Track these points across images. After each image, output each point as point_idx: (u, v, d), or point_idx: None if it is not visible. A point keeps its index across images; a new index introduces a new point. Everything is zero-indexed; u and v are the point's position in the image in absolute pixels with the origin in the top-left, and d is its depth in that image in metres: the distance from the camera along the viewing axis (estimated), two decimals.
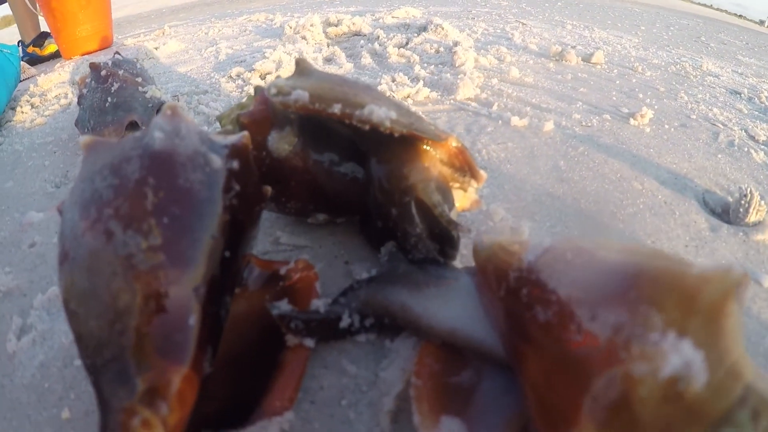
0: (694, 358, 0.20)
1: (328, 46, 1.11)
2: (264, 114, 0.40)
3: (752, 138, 0.75)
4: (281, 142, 0.40)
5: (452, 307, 0.35)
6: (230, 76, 0.88)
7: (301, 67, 0.40)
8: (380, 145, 0.39)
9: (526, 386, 0.27)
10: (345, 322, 0.35)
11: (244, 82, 0.86)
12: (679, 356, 0.20)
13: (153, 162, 0.28)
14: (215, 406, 0.30)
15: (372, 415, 0.33)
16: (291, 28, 1.17)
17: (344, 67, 0.94)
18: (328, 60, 1.00)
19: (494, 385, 0.33)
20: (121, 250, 0.26)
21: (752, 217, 0.54)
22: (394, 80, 0.85)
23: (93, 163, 0.29)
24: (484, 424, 0.31)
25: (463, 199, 0.45)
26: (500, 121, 0.73)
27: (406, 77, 0.87)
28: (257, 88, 0.43)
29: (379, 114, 0.34)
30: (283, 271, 0.37)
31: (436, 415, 0.31)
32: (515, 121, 0.71)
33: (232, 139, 0.34)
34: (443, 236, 0.39)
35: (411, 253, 0.39)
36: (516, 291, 0.29)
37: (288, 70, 0.88)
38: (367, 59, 0.99)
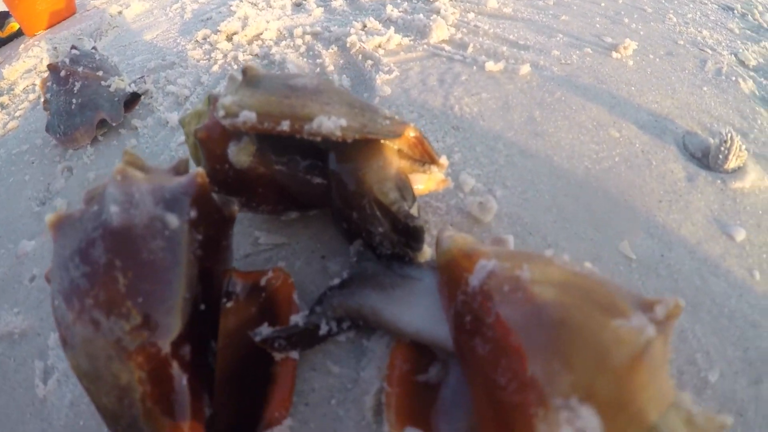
0: (590, 423, 0.21)
1: None
2: (219, 127, 0.39)
3: (742, 63, 0.71)
4: (241, 154, 0.39)
5: (416, 309, 0.36)
6: (197, 41, 0.83)
7: (249, 76, 0.38)
8: (337, 145, 0.38)
9: (472, 401, 0.28)
10: (324, 330, 0.37)
11: (212, 46, 0.82)
12: (575, 423, 0.21)
13: (114, 241, 0.30)
14: (222, 426, 0.33)
15: (357, 410, 0.36)
16: None
17: (314, 14, 0.89)
18: (298, 5, 0.94)
19: (459, 378, 0.35)
20: (110, 336, 0.29)
21: (732, 163, 0.53)
22: (364, 27, 0.80)
23: (63, 247, 0.31)
24: (448, 418, 0.33)
25: (428, 181, 0.43)
26: (475, 67, 0.69)
27: (378, 21, 0.81)
28: (210, 97, 0.41)
29: (328, 125, 0.34)
30: (263, 282, 0.38)
31: (401, 424, 0.32)
32: (490, 66, 0.68)
33: (185, 183, 0.34)
34: (406, 231, 0.39)
35: (378, 249, 0.39)
36: (461, 315, 0.29)
37: (253, 28, 0.83)
38: (338, 1, 0.93)
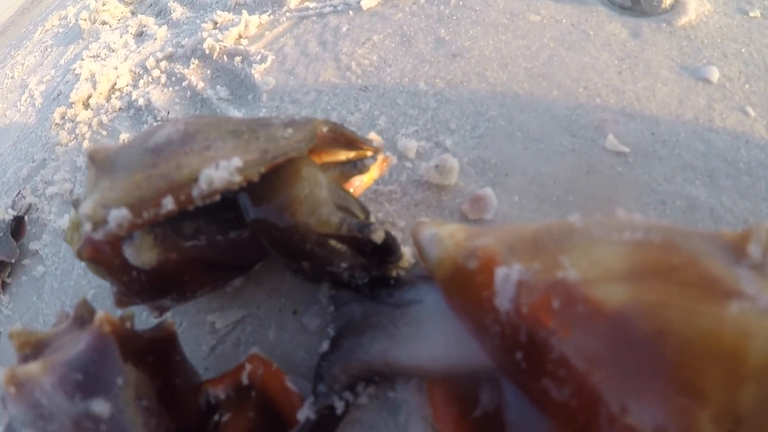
0: None
1: (134, 15, 0.87)
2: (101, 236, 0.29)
3: None
4: (141, 253, 0.30)
5: (435, 340, 0.29)
6: (56, 124, 0.69)
7: (98, 161, 0.28)
8: (245, 188, 0.28)
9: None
10: (340, 408, 0.29)
11: (73, 122, 0.68)
12: None
13: None
14: None
15: None
16: (86, 20, 0.91)
17: (158, 36, 0.74)
18: (140, 36, 0.79)
19: (519, 393, 0.28)
20: None
21: (667, 0, 0.46)
22: (216, 24, 0.67)
23: None
24: None
25: (368, 172, 0.35)
26: (351, 12, 0.58)
27: (227, 12, 0.68)
28: (74, 202, 0.31)
29: (220, 177, 0.25)
30: (245, 379, 0.31)
31: None
32: (367, 2, 0.57)
33: (92, 345, 0.25)
34: (372, 245, 0.30)
35: (353, 284, 0.31)
36: (507, 352, 0.21)
37: (105, 83, 0.68)
38: (177, 10, 0.78)
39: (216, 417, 0.29)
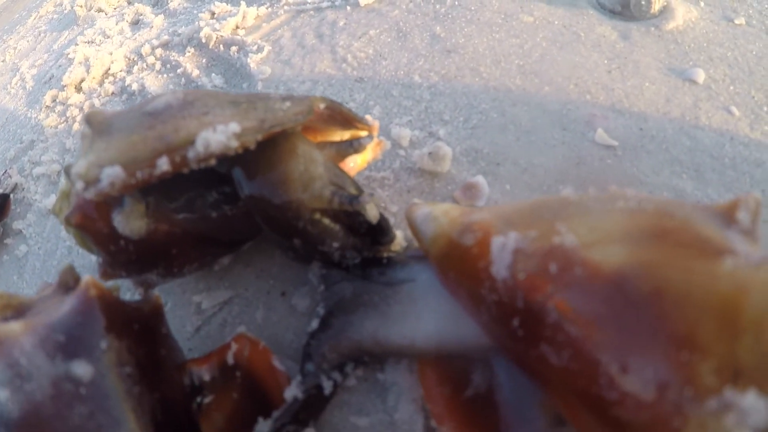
0: (760, 412, 0.14)
1: (130, 4, 0.87)
2: (91, 202, 0.30)
3: None
4: (131, 221, 0.30)
5: (427, 318, 0.28)
6: (47, 106, 0.68)
7: (96, 124, 0.28)
8: (240, 160, 0.28)
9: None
10: (328, 388, 0.29)
11: (64, 106, 0.67)
12: (745, 417, 0.15)
13: None
14: None
15: None
16: (81, 6, 0.90)
17: (155, 24, 0.74)
18: (136, 24, 0.79)
19: (511, 370, 0.28)
20: None
21: (656, 5, 0.48)
22: (213, 15, 0.67)
23: None
24: (522, 422, 0.26)
25: (363, 153, 0.35)
26: (348, 7, 0.59)
27: (224, 2, 0.69)
28: (66, 168, 0.30)
29: (217, 140, 0.25)
30: (230, 359, 0.30)
31: None
32: None
33: (76, 307, 0.25)
34: (366, 226, 0.30)
35: (344, 263, 0.31)
36: (503, 321, 0.21)
37: (98, 67, 0.68)
38: (175, 0, 0.78)
39: (199, 399, 0.29)
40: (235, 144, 0.25)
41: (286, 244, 0.30)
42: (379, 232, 0.31)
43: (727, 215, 0.19)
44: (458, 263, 0.24)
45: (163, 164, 0.24)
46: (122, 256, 0.31)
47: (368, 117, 0.35)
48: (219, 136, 0.24)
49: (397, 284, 0.30)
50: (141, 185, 0.25)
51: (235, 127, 0.25)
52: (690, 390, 0.15)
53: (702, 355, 0.15)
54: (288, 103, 0.29)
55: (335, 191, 0.29)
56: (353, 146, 0.33)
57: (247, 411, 0.29)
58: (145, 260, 0.31)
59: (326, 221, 0.29)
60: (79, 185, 0.25)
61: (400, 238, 0.34)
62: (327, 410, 0.30)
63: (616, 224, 0.20)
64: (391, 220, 0.38)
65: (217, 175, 0.31)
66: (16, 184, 0.59)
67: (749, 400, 0.15)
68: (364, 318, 0.29)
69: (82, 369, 0.23)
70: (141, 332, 0.27)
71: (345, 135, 0.35)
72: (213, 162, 0.25)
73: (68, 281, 0.30)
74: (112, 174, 0.24)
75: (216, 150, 0.24)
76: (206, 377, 0.30)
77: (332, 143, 0.33)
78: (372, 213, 0.30)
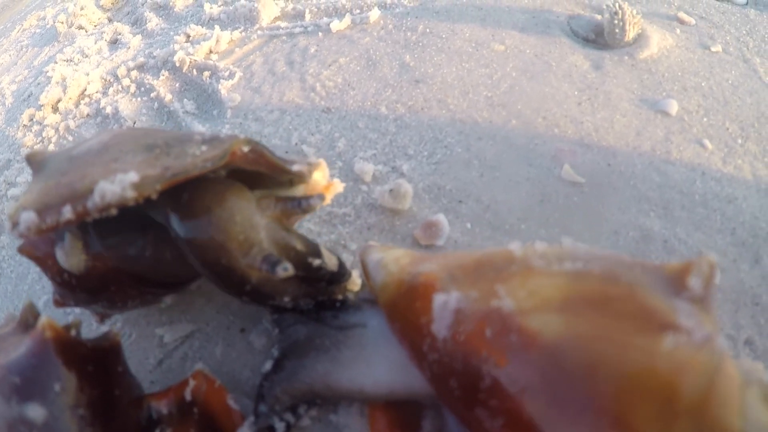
0: None
1: (110, 22, 0.87)
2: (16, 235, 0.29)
3: None
4: (70, 257, 0.30)
5: (377, 365, 0.28)
6: (24, 125, 0.68)
7: (33, 164, 0.28)
8: (172, 203, 0.28)
9: None
10: (281, 430, 0.29)
11: (41, 125, 0.67)
12: None
13: None
14: None
15: None
16: (63, 23, 0.91)
17: (132, 45, 0.74)
18: (114, 43, 0.79)
19: (459, 423, 0.27)
20: None
21: (630, 33, 0.46)
22: (188, 38, 0.67)
23: None
24: None
25: (309, 190, 0.34)
26: (320, 33, 0.58)
27: (200, 26, 0.68)
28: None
29: (112, 191, 0.24)
30: (188, 396, 0.31)
31: None
32: (336, 25, 0.57)
33: (32, 348, 0.25)
34: (326, 274, 0.29)
35: (296, 308, 0.31)
36: (442, 379, 0.20)
37: (75, 88, 0.68)
38: (153, 21, 0.78)
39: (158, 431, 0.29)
40: (131, 194, 0.24)
41: (234, 292, 0.29)
42: (336, 275, 0.30)
43: (678, 280, 0.18)
44: (404, 314, 0.24)
45: (67, 212, 0.24)
46: (68, 287, 0.31)
47: (312, 158, 0.33)
48: (115, 186, 0.24)
49: (348, 328, 0.30)
50: (52, 230, 0.24)
51: (132, 176, 0.24)
52: None
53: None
54: (204, 147, 0.27)
55: (265, 257, 0.27)
56: (301, 206, 0.32)
57: None
58: (88, 293, 0.32)
59: (276, 281, 0.28)
60: (9, 225, 0.25)
61: (356, 277, 0.33)
62: None
63: (557, 290, 0.18)
64: (350, 258, 0.37)
65: (150, 218, 0.30)
66: None
67: None
68: (315, 362, 0.29)
69: (35, 412, 0.23)
70: (96, 372, 0.26)
71: (295, 189, 0.34)
72: (114, 212, 0.24)
73: (28, 318, 0.30)
74: (27, 218, 0.24)
75: (112, 200, 0.24)
76: (164, 411, 0.30)
77: (278, 200, 0.32)
78: (331, 263, 0.30)
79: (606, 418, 0.14)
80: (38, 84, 0.79)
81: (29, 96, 0.78)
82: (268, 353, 0.33)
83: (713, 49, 0.46)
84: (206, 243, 0.27)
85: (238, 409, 0.30)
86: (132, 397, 0.29)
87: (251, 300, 0.29)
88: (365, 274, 0.30)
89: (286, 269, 0.26)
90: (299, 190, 0.34)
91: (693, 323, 0.17)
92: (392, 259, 0.28)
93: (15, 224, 0.24)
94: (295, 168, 0.31)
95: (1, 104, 0.82)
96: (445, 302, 0.21)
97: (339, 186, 0.34)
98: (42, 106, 0.70)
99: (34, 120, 0.70)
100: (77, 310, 0.40)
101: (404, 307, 0.24)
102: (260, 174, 0.31)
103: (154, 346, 0.37)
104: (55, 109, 0.70)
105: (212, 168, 0.26)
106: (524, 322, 0.18)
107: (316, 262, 0.29)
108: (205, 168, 0.26)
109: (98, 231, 0.30)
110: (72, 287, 0.31)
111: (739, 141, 0.39)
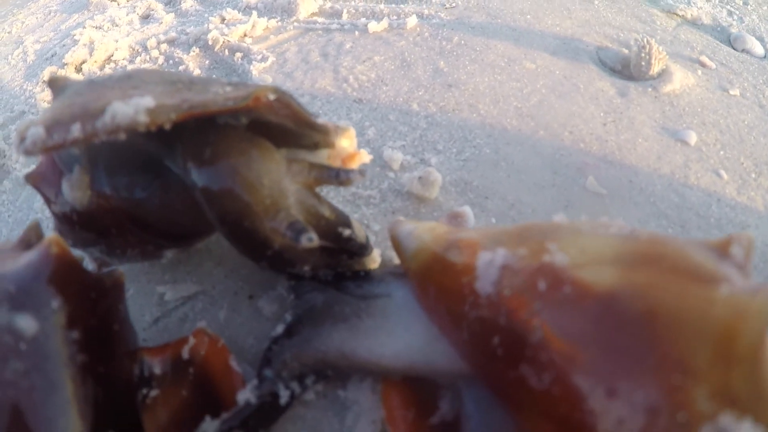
0: None
1: None
2: (51, 164, 0.29)
3: None
4: (75, 190, 0.29)
5: (399, 335, 0.27)
6: (44, 81, 0.67)
7: (54, 88, 0.27)
8: (192, 150, 0.27)
9: None
10: (285, 398, 0.27)
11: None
12: None
13: None
14: None
15: None
16: None
17: (164, 21, 0.74)
18: (145, 18, 0.79)
19: (480, 403, 0.26)
20: None
21: (656, 68, 0.49)
22: (223, 20, 0.68)
23: None
24: None
25: (333, 156, 0.32)
26: (356, 32, 0.60)
27: (237, 11, 0.69)
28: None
29: (125, 112, 0.22)
30: (185, 354, 0.29)
31: None
32: (373, 26, 0.59)
33: (35, 260, 0.23)
34: (355, 245, 0.29)
35: (315, 278, 0.30)
36: (484, 339, 0.20)
37: (102, 51, 0.68)
38: (188, 1, 0.79)
39: (145, 391, 0.27)
40: (143, 119, 0.22)
41: (252, 258, 0.28)
42: (362, 247, 0.30)
43: (722, 249, 0.19)
44: (440, 278, 0.23)
45: (75, 130, 0.23)
46: (68, 224, 0.30)
47: (343, 123, 0.32)
48: (128, 108, 0.22)
49: (371, 298, 0.28)
50: (58, 148, 0.23)
51: (148, 101, 0.23)
52: (684, 415, 0.14)
53: (696, 380, 0.15)
54: (229, 88, 0.26)
55: (291, 223, 0.26)
56: (339, 177, 0.30)
57: (194, 410, 0.27)
58: (87, 233, 0.30)
59: (299, 248, 0.27)
60: (16, 140, 0.24)
61: (377, 255, 0.33)
62: (279, 422, 0.28)
63: (608, 247, 0.19)
64: (372, 239, 0.37)
65: (168, 168, 0.29)
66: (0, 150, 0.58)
67: (745, 429, 0.14)
68: (333, 329, 0.27)
69: (26, 323, 0.21)
70: (97, 302, 0.25)
71: (319, 153, 0.32)
72: (123, 136, 0.23)
73: (31, 238, 0.29)
74: (34, 133, 0.23)
75: (122, 122, 0.22)
76: (157, 369, 0.28)
77: (312, 167, 0.30)
78: (361, 234, 0.29)
79: (667, 362, 0.15)
80: (63, 46, 0.79)
81: (53, 56, 0.78)
82: (277, 321, 0.32)
83: (731, 92, 0.49)
84: (227, 196, 0.26)
85: (240, 371, 0.29)
86: (128, 346, 0.28)
87: (270, 266, 0.29)
88: (394, 244, 0.29)
89: (311, 239, 0.25)
90: (322, 155, 0.32)
91: (741, 279, 0.18)
92: (426, 229, 0.28)
93: (22, 139, 0.23)
94: (320, 121, 0.29)
95: (22, 60, 0.82)
96: (490, 260, 0.21)
97: (366, 156, 0.33)
98: (65, 65, 0.70)
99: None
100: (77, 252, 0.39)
101: (441, 270, 0.24)
102: (284, 132, 0.29)
103: (153, 303, 0.36)
104: (79, 70, 0.69)
105: (234, 107, 0.24)
106: (578, 275, 0.18)
107: (347, 232, 0.29)
108: (225, 106, 0.24)
109: (108, 169, 0.29)
110: (72, 224, 0.30)
111: (753, 175, 0.41)
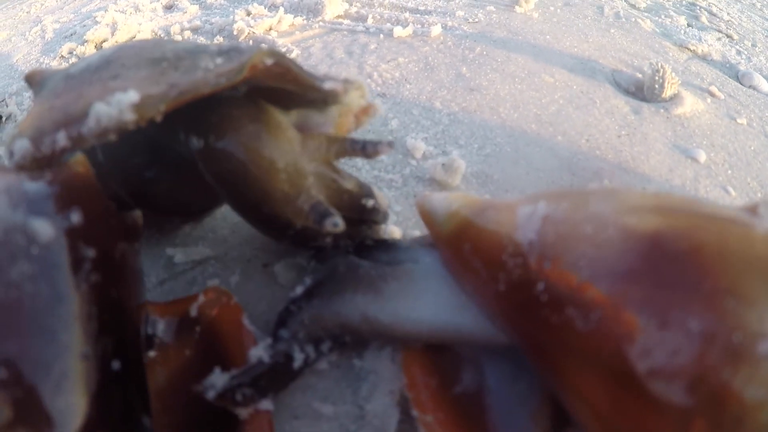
0: None
1: None
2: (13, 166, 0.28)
3: (633, 6, 0.73)
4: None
5: (425, 301, 0.26)
6: (62, 56, 0.67)
7: (33, 84, 0.26)
8: (194, 125, 0.25)
9: (575, 401, 0.20)
10: (299, 361, 0.26)
11: (79, 58, 0.66)
12: None
13: None
14: None
15: None
16: None
17: (189, 11, 0.76)
18: (169, 7, 0.81)
19: (503, 376, 0.26)
20: None
21: (668, 92, 0.51)
22: (249, 14, 0.69)
23: None
24: (511, 429, 0.24)
25: (345, 112, 0.31)
26: (381, 35, 0.62)
27: (263, 7, 0.71)
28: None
29: (110, 113, 0.21)
30: (194, 311, 0.27)
31: None
32: (399, 31, 0.61)
33: (57, 173, 0.22)
34: (380, 214, 0.30)
35: (339, 249, 0.29)
36: (525, 286, 0.20)
37: (124, 32, 0.68)
38: None
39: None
40: (130, 117, 0.21)
41: (270, 233, 0.28)
42: (383, 216, 0.30)
43: (750, 210, 0.20)
44: (476, 233, 0.24)
45: (62, 139, 0.21)
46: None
47: (350, 77, 0.29)
48: (111, 109, 0.21)
49: (397, 263, 0.28)
50: (49, 159, 0.22)
51: (132, 96, 0.21)
52: (740, 335, 0.15)
53: (749, 304, 0.15)
54: (219, 60, 0.23)
55: (313, 206, 0.25)
56: (366, 151, 0.28)
57: (196, 371, 0.26)
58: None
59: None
60: (5, 154, 0.23)
61: (396, 233, 0.34)
62: (290, 392, 0.27)
63: (647, 200, 0.20)
64: (393, 218, 0.37)
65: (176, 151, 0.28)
66: (10, 114, 0.58)
67: None
68: (356, 292, 0.27)
69: (42, 227, 0.20)
70: (113, 230, 0.24)
71: (328, 111, 0.30)
72: (113, 137, 0.21)
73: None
74: (21, 147, 0.22)
75: (109, 125, 0.21)
76: (160, 327, 0.27)
77: (331, 142, 0.28)
78: (384, 202, 0.29)
79: (718, 291, 0.16)
80: (84, 26, 0.79)
81: (72, 35, 0.78)
82: (293, 288, 0.30)
83: (739, 120, 0.51)
84: (242, 183, 0.25)
85: (253, 330, 0.28)
86: (138, 291, 0.26)
87: (292, 243, 0.28)
88: (423, 215, 0.29)
89: (336, 225, 0.24)
90: (332, 112, 0.30)
91: None
92: (458, 197, 0.28)
93: (11, 154, 0.22)
94: (327, 86, 0.27)
95: (40, 38, 0.82)
96: (531, 211, 0.22)
97: (380, 107, 0.31)
98: (86, 41, 0.70)
99: (74, 53, 0.69)
100: None
101: (477, 227, 0.24)
102: (289, 93, 0.27)
103: (160, 265, 0.35)
104: (98, 48, 0.70)
105: (227, 84, 0.22)
106: (622, 219, 0.19)
107: (371, 202, 0.29)
108: (218, 85, 0.22)
109: (108, 156, 0.28)
110: None
111: (759, 195, 0.43)
